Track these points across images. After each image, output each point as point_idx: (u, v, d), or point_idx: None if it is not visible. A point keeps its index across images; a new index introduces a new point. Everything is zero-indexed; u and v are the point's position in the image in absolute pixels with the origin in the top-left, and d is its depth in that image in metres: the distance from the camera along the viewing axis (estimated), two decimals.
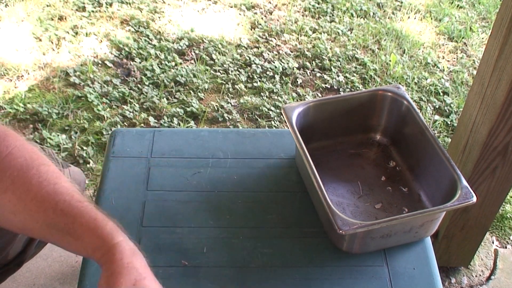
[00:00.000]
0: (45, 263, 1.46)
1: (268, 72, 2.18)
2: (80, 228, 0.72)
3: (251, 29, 2.41)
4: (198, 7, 2.50)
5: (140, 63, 2.15)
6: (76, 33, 2.26)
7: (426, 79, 2.25)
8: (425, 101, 2.15)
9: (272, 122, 1.98)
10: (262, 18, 2.48)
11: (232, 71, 2.17)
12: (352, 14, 2.57)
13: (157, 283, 0.72)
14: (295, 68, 2.21)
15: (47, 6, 2.39)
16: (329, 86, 2.17)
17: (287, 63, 2.22)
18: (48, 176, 0.75)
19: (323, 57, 2.28)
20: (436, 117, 2.09)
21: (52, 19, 2.32)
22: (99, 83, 2.05)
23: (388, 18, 2.58)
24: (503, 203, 1.60)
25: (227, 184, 1.02)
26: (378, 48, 2.38)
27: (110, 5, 2.43)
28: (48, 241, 0.77)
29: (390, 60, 2.30)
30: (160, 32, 2.33)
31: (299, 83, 2.16)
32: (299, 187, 1.02)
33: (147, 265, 0.72)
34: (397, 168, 1.06)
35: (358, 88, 2.16)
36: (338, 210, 0.84)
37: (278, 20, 2.49)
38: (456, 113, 2.11)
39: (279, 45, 2.34)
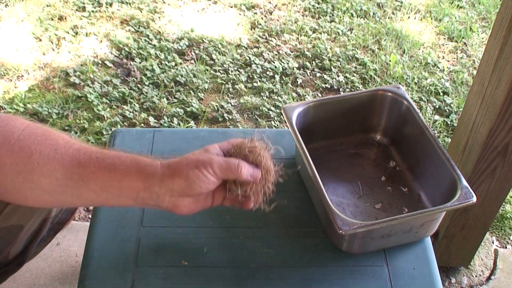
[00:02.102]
0: (45, 263, 1.46)
1: (268, 72, 2.18)
2: (123, 166, 0.72)
3: (251, 29, 2.41)
4: (198, 7, 2.50)
5: (140, 63, 2.15)
6: (76, 33, 2.26)
7: (426, 79, 2.25)
8: (425, 101, 2.15)
9: (272, 122, 1.98)
10: (262, 18, 2.48)
11: (232, 71, 2.17)
12: (352, 14, 2.57)
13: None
14: (295, 68, 2.21)
15: (47, 6, 2.39)
16: (329, 86, 2.17)
17: (287, 63, 2.22)
18: (71, 139, 0.75)
19: (323, 57, 2.28)
20: (436, 117, 2.09)
21: (52, 19, 2.32)
22: (99, 83, 2.05)
23: (388, 18, 2.58)
24: (503, 203, 1.60)
25: None
26: (378, 48, 2.38)
27: (110, 5, 2.43)
28: (81, 199, 0.76)
29: (390, 60, 2.30)
30: (160, 32, 2.33)
31: (299, 83, 2.16)
32: (299, 187, 1.02)
33: None
34: (397, 168, 1.06)
35: (358, 88, 2.16)
36: (338, 210, 0.84)
37: (278, 20, 2.49)
38: (456, 113, 2.11)
39: (279, 45, 2.34)
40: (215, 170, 0.74)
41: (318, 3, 2.61)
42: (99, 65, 2.15)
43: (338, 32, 2.44)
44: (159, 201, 0.74)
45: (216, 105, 2.02)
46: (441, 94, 2.19)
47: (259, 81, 2.14)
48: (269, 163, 0.80)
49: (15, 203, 0.82)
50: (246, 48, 2.30)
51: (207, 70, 2.17)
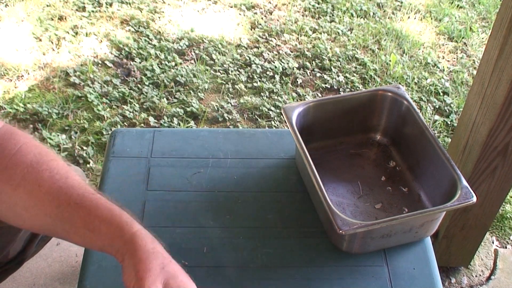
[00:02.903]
0: (45, 263, 1.46)
1: (268, 72, 2.18)
2: (96, 220, 0.71)
3: (251, 29, 2.41)
4: (198, 7, 2.50)
5: (140, 63, 2.16)
6: (76, 33, 2.26)
7: (426, 79, 2.25)
8: (425, 101, 2.15)
9: (272, 122, 1.98)
10: (262, 18, 2.48)
11: (232, 71, 2.17)
12: (352, 14, 2.57)
13: (181, 267, 0.72)
14: (295, 68, 2.21)
15: (47, 6, 2.39)
16: (329, 86, 2.17)
17: (287, 63, 2.22)
18: (59, 170, 0.74)
19: (323, 57, 2.28)
20: (436, 117, 2.09)
21: (52, 19, 2.32)
22: (99, 83, 2.05)
23: (388, 18, 2.58)
24: (503, 203, 1.60)
25: (227, 184, 1.02)
26: (378, 48, 2.38)
27: (110, 5, 2.43)
28: (60, 237, 0.76)
29: (390, 60, 2.30)
30: (160, 32, 2.33)
31: (299, 83, 2.16)
32: (299, 187, 1.02)
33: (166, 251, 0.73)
34: (397, 168, 1.06)
35: (358, 88, 2.17)
36: (338, 210, 0.84)
37: (278, 20, 2.49)
38: (456, 113, 2.11)
39: (279, 45, 2.34)
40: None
41: (318, 3, 2.61)
42: (99, 65, 2.15)
43: (338, 32, 2.44)
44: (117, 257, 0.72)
45: (216, 105, 2.02)
46: (441, 94, 2.19)
47: (259, 81, 2.14)
48: None
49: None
50: (246, 48, 2.30)
51: (207, 70, 2.17)
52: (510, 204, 1.80)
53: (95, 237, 0.72)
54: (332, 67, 2.24)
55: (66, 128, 1.88)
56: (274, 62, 2.22)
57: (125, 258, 0.69)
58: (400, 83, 2.21)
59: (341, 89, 2.16)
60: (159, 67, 2.14)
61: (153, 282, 0.66)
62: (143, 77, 2.09)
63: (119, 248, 0.70)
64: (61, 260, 1.48)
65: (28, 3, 2.38)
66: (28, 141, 0.75)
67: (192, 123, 1.95)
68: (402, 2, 2.68)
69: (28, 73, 2.07)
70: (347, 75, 2.21)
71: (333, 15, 2.55)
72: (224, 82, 2.12)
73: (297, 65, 2.23)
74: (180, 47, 2.25)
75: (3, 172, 0.72)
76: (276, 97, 2.08)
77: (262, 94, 2.09)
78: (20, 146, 0.74)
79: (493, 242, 1.68)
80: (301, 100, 2.08)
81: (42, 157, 0.75)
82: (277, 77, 2.16)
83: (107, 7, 2.42)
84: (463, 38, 2.50)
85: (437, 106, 2.14)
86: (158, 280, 0.67)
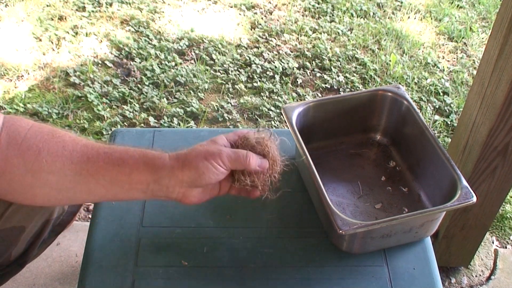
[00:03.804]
0: (45, 263, 1.46)
1: (268, 72, 2.18)
2: (131, 160, 0.72)
3: (251, 29, 2.41)
4: (198, 7, 2.50)
5: (140, 63, 2.15)
6: (76, 33, 2.26)
7: (426, 79, 2.25)
8: (425, 101, 2.15)
9: (272, 122, 1.98)
10: (262, 18, 2.48)
11: (232, 71, 2.17)
12: (352, 14, 2.57)
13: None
14: (295, 68, 2.21)
15: (47, 6, 2.39)
16: (329, 86, 2.17)
17: (287, 63, 2.22)
18: (78, 137, 0.75)
19: (323, 57, 2.28)
20: (436, 117, 2.09)
21: (52, 19, 2.32)
22: (99, 83, 2.05)
23: (388, 18, 2.58)
24: (503, 203, 1.60)
25: None
26: (378, 48, 2.38)
27: (110, 5, 2.43)
28: (92, 197, 0.77)
29: (390, 60, 2.30)
30: (160, 32, 2.33)
31: (299, 83, 2.16)
32: (299, 187, 1.02)
33: None
34: (397, 168, 1.06)
35: (358, 88, 2.17)
36: (338, 210, 0.84)
37: (278, 20, 2.49)
38: (456, 113, 2.11)
39: (279, 45, 2.34)
40: (224, 161, 0.75)
41: (318, 3, 2.61)
42: (99, 65, 2.15)
43: (338, 32, 2.44)
44: (168, 193, 0.75)
45: (216, 105, 2.02)
46: (441, 94, 2.19)
47: (259, 81, 2.14)
48: (275, 153, 0.82)
49: (22, 203, 0.82)
50: (246, 48, 2.30)
51: (207, 70, 2.17)
52: (510, 204, 1.80)
53: (132, 179, 0.72)
54: (332, 67, 2.24)
55: (66, 128, 1.88)
56: (274, 62, 2.22)
57: (193, 161, 0.73)
58: (400, 83, 2.21)
59: (341, 89, 2.16)
60: (159, 67, 2.14)
61: (229, 148, 0.77)
62: (143, 77, 2.09)
63: (173, 166, 0.73)
64: (61, 260, 1.48)
65: (28, 3, 2.38)
66: (37, 123, 0.76)
67: (192, 123, 1.95)
68: (402, 2, 2.68)
69: (28, 73, 2.07)
70: (347, 75, 2.21)
71: (333, 15, 2.55)
72: (224, 82, 2.12)
73: (297, 65, 2.23)
74: (180, 47, 2.25)
75: (22, 143, 0.71)
76: (276, 97, 2.08)
77: (262, 94, 2.09)
78: (33, 124, 0.74)
79: (493, 242, 1.68)
80: (301, 100, 2.08)
81: (57, 129, 0.75)
82: (277, 77, 2.16)
83: (107, 7, 2.42)
84: (463, 38, 2.50)
85: (437, 106, 2.14)
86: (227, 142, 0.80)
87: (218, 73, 2.16)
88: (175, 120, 1.94)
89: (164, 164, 0.74)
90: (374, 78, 2.22)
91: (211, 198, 0.82)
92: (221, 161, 0.75)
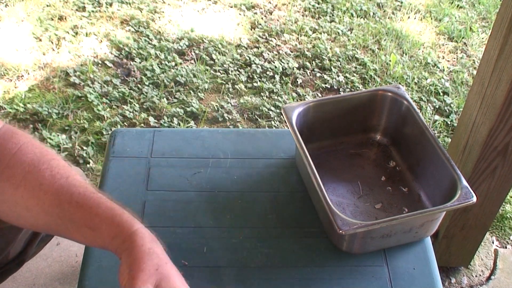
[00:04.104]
0: (45, 263, 1.46)
1: (268, 72, 2.18)
2: (97, 218, 0.71)
3: (251, 29, 2.41)
4: (198, 7, 2.50)
5: (140, 63, 2.15)
6: (76, 33, 2.26)
7: (426, 79, 2.25)
8: (425, 101, 2.15)
9: (272, 122, 1.98)
10: (262, 18, 2.48)
11: (232, 71, 2.17)
12: (352, 14, 2.57)
13: (177, 270, 0.72)
14: (295, 68, 2.21)
15: (47, 6, 2.39)
16: (329, 86, 2.17)
17: (287, 63, 2.22)
18: (60, 169, 0.74)
19: (323, 57, 2.28)
20: (436, 117, 2.09)
21: (52, 19, 2.32)
22: (99, 83, 2.05)
23: (388, 18, 2.58)
24: (503, 203, 1.60)
25: (227, 184, 1.02)
26: (378, 48, 2.38)
27: (110, 5, 2.43)
28: (61, 235, 0.77)
29: (390, 60, 2.30)
30: (160, 32, 2.33)
31: (299, 83, 2.16)
32: (299, 187, 1.02)
33: (165, 252, 0.72)
34: (397, 168, 1.06)
35: (358, 88, 2.17)
36: (338, 210, 0.84)
37: (278, 20, 2.49)
38: (456, 113, 2.11)
39: (279, 45, 2.34)
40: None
41: (318, 3, 2.61)
42: (99, 65, 2.15)
43: (338, 32, 2.44)
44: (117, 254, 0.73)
45: (216, 105, 2.02)
46: (441, 94, 2.19)
47: (259, 81, 2.14)
48: None
49: None
50: (246, 48, 2.30)
51: (207, 70, 2.17)
52: (510, 204, 1.80)
53: (96, 235, 0.72)
54: (332, 67, 2.24)
55: (66, 128, 1.88)
56: (274, 62, 2.22)
57: (123, 256, 0.69)
58: (400, 83, 2.21)
59: (341, 89, 2.16)
60: (159, 67, 2.14)
61: (143, 282, 0.66)
62: (143, 77, 2.09)
63: (119, 246, 0.70)
64: (61, 260, 1.48)
65: (28, 3, 2.38)
66: (28, 140, 0.75)
67: (192, 123, 1.95)
68: (402, 2, 2.68)
69: (28, 73, 2.07)
70: (347, 75, 2.21)
71: (333, 15, 2.55)
72: (224, 82, 2.12)
73: (297, 65, 2.23)
74: (180, 47, 2.25)
75: (4, 171, 0.72)
76: (276, 97, 2.08)
77: (262, 94, 2.09)
78: (21, 145, 0.74)
79: (493, 242, 1.68)
80: (301, 100, 2.08)
81: (43, 156, 0.75)
82: (277, 77, 2.16)
83: (107, 7, 2.42)
84: (463, 38, 2.50)
85: (437, 106, 2.14)
86: (150, 281, 0.67)
87: (218, 73, 2.16)
88: (175, 120, 1.94)
89: (123, 233, 0.71)
90: (374, 78, 2.22)
91: None
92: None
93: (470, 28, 2.57)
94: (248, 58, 2.23)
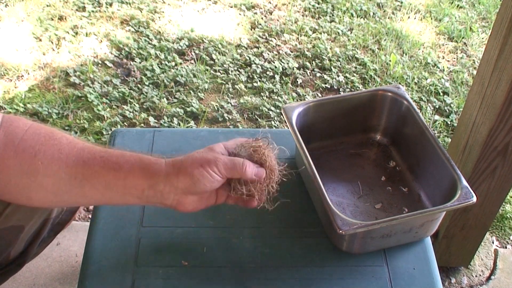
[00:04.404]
0: (45, 263, 1.46)
1: (268, 72, 2.18)
2: (127, 164, 0.72)
3: (251, 29, 2.41)
4: (198, 7, 2.50)
5: (140, 63, 2.16)
6: (76, 33, 2.26)
7: (426, 79, 2.25)
8: (425, 101, 2.15)
9: (272, 122, 1.98)
10: (262, 18, 2.48)
11: (232, 71, 2.17)
12: (352, 14, 2.57)
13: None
14: (295, 68, 2.21)
15: (47, 6, 2.39)
16: (329, 86, 2.17)
17: (287, 63, 2.22)
18: (75, 139, 0.75)
19: (323, 57, 2.28)
20: (436, 117, 2.09)
21: (52, 19, 2.32)
22: (99, 83, 2.05)
23: (388, 18, 2.58)
24: (503, 203, 1.60)
25: None
26: (378, 48, 2.38)
27: (110, 5, 2.43)
28: (87, 199, 0.76)
29: (390, 60, 2.30)
30: (160, 32, 2.33)
31: (299, 83, 2.16)
32: (299, 187, 1.02)
33: None
34: (397, 168, 1.06)
35: (358, 88, 2.17)
36: (338, 210, 0.84)
37: (278, 20, 2.49)
38: (456, 113, 2.11)
39: (279, 45, 2.34)
40: (220, 169, 0.75)
41: (318, 3, 2.61)
42: (99, 65, 2.15)
43: (338, 32, 2.44)
44: (163, 199, 0.75)
45: (216, 105, 2.02)
46: (441, 94, 2.19)
47: (259, 81, 2.14)
48: (273, 162, 0.81)
49: (18, 203, 0.82)
50: (246, 48, 2.30)
51: (207, 70, 2.17)
52: (510, 204, 1.80)
53: (128, 183, 0.72)
54: (332, 67, 2.24)
55: (66, 128, 1.88)
56: (274, 62, 2.22)
57: (187, 175, 0.73)
58: (400, 83, 2.21)
59: (341, 89, 2.16)
60: (159, 67, 2.14)
61: (224, 155, 0.76)
62: (143, 77, 2.09)
63: (168, 173, 0.72)
64: (61, 260, 1.48)
65: (28, 3, 2.38)
66: (36, 123, 0.76)
67: (192, 123, 1.95)
68: (402, 2, 2.68)
69: (28, 73, 2.07)
70: (347, 75, 2.21)
71: (333, 15, 2.55)
72: (224, 82, 2.12)
73: (297, 65, 2.23)
74: (180, 47, 2.25)
75: (19, 144, 0.71)
76: (276, 97, 2.08)
77: (262, 94, 2.09)
78: (31, 124, 0.74)
79: (493, 242, 1.68)
80: (301, 100, 2.08)
81: (54, 130, 0.75)
82: (277, 77, 2.16)
83: (107, 7, 2.42)
84: (463, 38, 2.50)
85: (437, 106, 2.14)
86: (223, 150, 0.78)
87: (218, 73, 2.16)
88: (175, 120, 1.94)
89: (160, 170, 0.73)
90: (374, 78, 2.22)
91: (207, 207, 0.81)
92: (216, 169, 0.74)
93: (470, 28, 2.57)
94: (248, 58, 2.23)
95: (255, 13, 2.50)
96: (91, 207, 1.62)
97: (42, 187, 0.73)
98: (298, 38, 2.39)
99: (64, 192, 0.74)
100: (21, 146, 0.71)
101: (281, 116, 2.00)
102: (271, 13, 2.53)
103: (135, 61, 2.16)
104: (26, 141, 0.72)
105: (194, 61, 2.21)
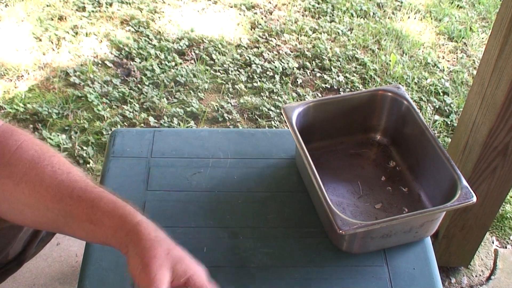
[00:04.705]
0: (45, 263, 1.46)
1: (268, 72, 2.18)
2: (99, 212, 0.71)
3: (251, 29, 2.41)
4: (198, 7, 2.50)
5: (140, 63, 2.15)
6: (76, 33, 2.26)
7: (426, 79, 2.25)
8: (425, 101, 2.15)
9: (272, 122, 1.98)
10: (262, 18, 2.48)
11: (232, 71, 2.17)
12: (352, 14, 2.57)
13: (185, 252, 0.72)
14: (295, 68, 2.21)
15: (47, 6, 2.39)
16: (329, 86, 2.17)
17: (287, 63, 2.22)
18: (61, 166, 0.74)
19: (323, 57, 2.28)
20: (436, 117, 2.09)
21: (52, 19, 2.32)
22: (99, 83, 2.05)
23: (388, 18, 2.58)
24: (503, 203, 1.60)
25: (227, 184, 1.02)
26: (378, 48, 2.38)
27: (110, 5, 2.43)
28: (63, 232, 0.76)
29: (390, 60, 2.30)
30: (160, 32, 2.33)
31: (299, 83, 2.16)
32: (299, 187, 1.02)
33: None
34: (397, 168, 1.06)
35: (358, 88, 2.16)
36: (338, 210, 0.84)
37: (278, 20, 2.49)
38: (456, 113, 2.11)
39: (279, 45, 2.34)
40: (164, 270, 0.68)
41: (318, 3, 2.61)
42: (99, 65, 2.15)
43: (338, 32, 2.44)
44: (121, 247, 0.72)
45: (216, 105, 2.02)
46: (441, 94, 2.19)
47: (259, 81, 2.14)
48: None
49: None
50: (246, 48, 2.30)
51: (207, 70, 2.17)
52: (510, 204, 1.80)
53: (98, 229, 0.71)
54: (332, 67, 2.24)
55: (66, 128, 1.88)
56: (274, 62, 2.22)
57: (129, 248, 0.69)
58: (400, 83, 2.21)
59: (341, 89, 2.16)
60: (159, 67, 2.14)
61: (159, 267, 0.66)
62: (143, 77, 2.09)
63: (122, 239, 0.70)
64: (61, 260, 1.48)
65: (28, 3, 2.38)
66: (28, 138, 0.75)
67: (192, 123, 1.95)
68: (402, 2, 2.68)
69: (28, 73, 2.07)
70: (347, 75, 2.21)
71: (333, 15, 2.55)
72: (224, 82, 2.12)
73: (297, 65, 2.23)
74: (180, 47, 2.25)
75: (4, 168, 0.72)
76: (276, 97, 2.08)
77: (262, 94, 2.09)
78: (21, 143, 0.74)
79: (493, 242, 1.68)
80: (301, 100, 2.08)
81: (44, 153, 0.75)
82: (277, 77, 2.16)
83: (107, 7, 2.42)
84: (463, 38, 2.50)
85: (437, 106, 2.14)
86: (165, 265, 0.67)
87: (218, 73, 2.16)
88: (175, 120, 1.94)
89: (126, 226, 0.70)
90: (374, 78, 2.22)
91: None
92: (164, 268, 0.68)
93: (470, 28, 2.57)
94: (248, 58, 2.23)
95: (255, 13, 2.50)
96: None
97: (22, 214, 0.74)
98: (298, 38, 2.39)
99: (42, 223, 0.76)
100: (6, 171, 0.72)
101: (281, 116, 2.00)
102: (271, 13, 2.53)
103: (135, 61, 2.16)
104: (12, 166, 0.72)
105: (194, 61, 2.21)
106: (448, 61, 2.39)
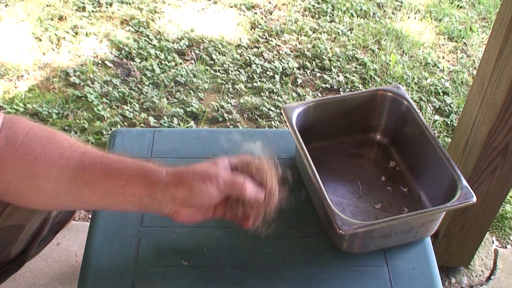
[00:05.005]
0: (45, 263, 1.46)
1: (268, 72, 2.18)
2: (128, 171, 0.72)
3: (251, 29, 2.41)
4: (198, 7, 2.50)
5: (140, 63, 2.15)
6: (76, 33, 2.26)
7: (426, 79, 2.25)
8: (425, 101, 2.15)
9: (272, 122, 1.98)
10: (262, 18, 2.48)
11: (232, 71, 2.17)
12: (352, 14, 2.57)
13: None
14: (295, 68, 2.21)
15: (47, 6, 2.39)
16: (329, 86, 2.17)
17: (287, 63, 2.22)
18: (76, 142, 0.75)
19: (323, 57, 2.28)
20: (436, 117, 2.09)
21: (52, 19, 2.32)
22: (99, 83, 2.05)
23: (388, 18, 2.58)
24: (503, 203, 1.60)
25: None
26: (378, 48, 2.38)
27: (110, 5, 2.43)
28: (85, 205, 0.77)
29: (390, 60, 2.30)
30: (160, 32, 2.33)
31: (299, 83, 2.16)
32: (299, 187, 1.02)
33: None
34: (397, 168, 1.06)
35: (358, 88, 2.16)
36: (338, 210, 0.84)
37: (278, 20, 2.49)
38: (456, 113, 2.11)
39: (279, 45, 2.34)
40: (220, 185, 0.74)
41: (318, 3, 2.61)
42: (99, 65, 2.15)
43: (338, 32, 2.44)
44: (161, 208, 0.74)
45: (216, 105, 2.02)
46: (441, 94, 2.19)
47: (259, 81, 2.14)
48: (274, 186, 0.79)
49: (17, 205, 0.82)
50: (246, 48, 2.30)
51: (207, 70, 2.17)
52: (510, 204, 1.80)
53: (129, 190, 0.72)
54: (332, 67, 2.24)
55: (66, 128, 1.88)
56: (274, 62, 2.22)
57: (187, 181, 0.72)
58: (400, 83, 2.21)
59: (341, 89, 2.16)
60: (159, 67, 2.14)
61: (235, 175, 0.75)
62: (143, 77, 2.09)
63: (168, 182, 0.72)
64: (61, 260, 1.48)
65: (28, 3, 2.38)
66: (37, 125, 0.75)
67: (192, 123, 1.95)
68: (402, 2, 2.68)
69: (28, 73, 2.07)
70: (347, 75, 2.21)
71: (333, 15, 2.55)
72: (224, 82, 2.12)
73: (297, 65, 2.23)
74: (180, 47, 2.25)
75: (19, 147, 0.71)
76: (276, 97, 2.08)
77: (262, 94, 2.09)
78: (32, 126, 0.74)
79: (493, 242, 1.68)
80: (301, 100, 2.08)
81: (56, 133, 0.75)
82: (277, 77, 2.16)
83: (107, 7, 2.42)
84: (463, 38, 2.50)
85: (437, 106, 2.14)
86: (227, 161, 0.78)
87: (218, 73, 2.16)
88: (175, 120, 1.94)
89: (160, 179, 0.73)
90: (374, 78, 2.22)
91: (205, 220, 0.80)
92: (216, 184, 0.74)
93: (470, 28, 2.57)
94: (248, 58, 2.23)
95: (255, 13, 2.50)
96: None
97: (41, 190, 0.73)
98: (298, 38, 2.39)
99: (63, 196, 0.74)
100: (22, 149, 0.71)
101: (281, 116, 2.00)
102: (271, 13, 2.53)
103: (135, 61, 2.16)
104: (27, 144, 0.71)
105: (194, 61, 2.21)
106: (448, 61, 2.39)
